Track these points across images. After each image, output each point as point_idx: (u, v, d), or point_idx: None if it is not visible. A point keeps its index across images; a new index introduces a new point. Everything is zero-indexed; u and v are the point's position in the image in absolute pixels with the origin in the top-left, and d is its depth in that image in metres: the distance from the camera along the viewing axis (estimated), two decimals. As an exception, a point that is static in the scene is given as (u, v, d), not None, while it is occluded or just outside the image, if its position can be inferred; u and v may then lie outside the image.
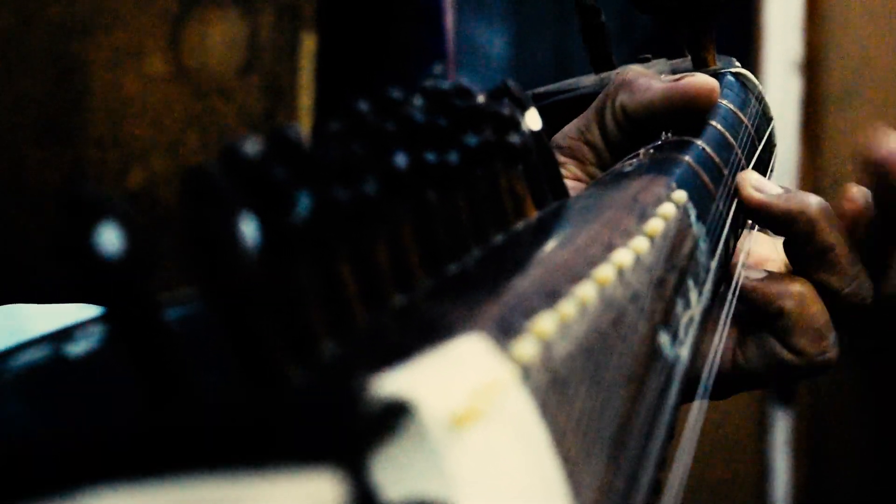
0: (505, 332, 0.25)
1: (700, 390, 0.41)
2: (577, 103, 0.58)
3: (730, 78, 0.56)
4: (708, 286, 0.40)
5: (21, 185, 1.10)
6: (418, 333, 0.24)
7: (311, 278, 0.23)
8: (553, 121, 0.49)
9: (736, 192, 0.49)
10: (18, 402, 0.24)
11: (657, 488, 0.31)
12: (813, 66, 2.04)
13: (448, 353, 0.22)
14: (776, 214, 0.50)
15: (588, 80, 0.62)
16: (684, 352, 0.35)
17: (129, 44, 1.13)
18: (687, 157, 0.45)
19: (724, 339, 0.48)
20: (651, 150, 0.47)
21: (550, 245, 0.32)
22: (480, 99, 0.32)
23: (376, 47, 1.23)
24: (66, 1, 1.13)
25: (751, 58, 2.03)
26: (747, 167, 0.52)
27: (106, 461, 0.20)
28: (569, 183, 0.42)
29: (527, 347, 0.25)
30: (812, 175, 2.00)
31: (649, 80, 0.52)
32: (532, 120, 0.36)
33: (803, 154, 2.01)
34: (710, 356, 0.44)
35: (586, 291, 0.29)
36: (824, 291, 0.51)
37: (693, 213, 0.41)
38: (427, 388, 0.20)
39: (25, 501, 0.19)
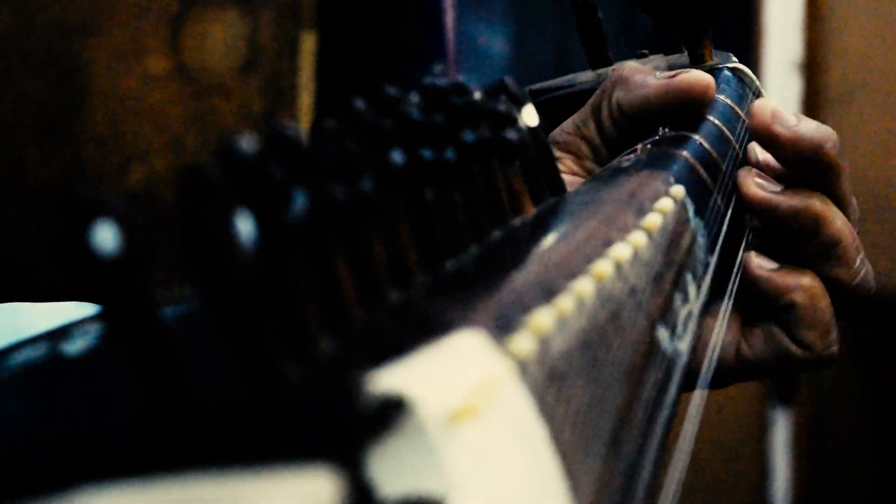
0: (502, 327, 0.25)
1: (700, 380, 0.41)
2: (574, 99, 0.58)
3: (727, 73, 0.56)
4: (707, 281, 0.40)
5: (21, 185, 1.10)
6: (415, 330, 0.24)
7: (307, 276, 0.23)
8: (550, 117, 0.49)
9: (735, 186, 0.49)
10: (16, 401, 0.24)
11: (656, 483, 0.31)
12: (813, 66, 2.04)
13: (445, 350, 0.22)
14: (781, 211, 0.49)
15: (585, 77, 0.62)
16: (683, 346, 0.35)
17: (129, 44, 1.13)
18: (684, 153, 0.45)
19: (724, 331, 0.48)
20: (648, 146, 0.47)
21: (548, 241, 0.32)
22: (477, 96, 0.32)
23: (376, 47, 1.23)
24: (66, 1, 1.13)
25: (751, 58, 2.03)
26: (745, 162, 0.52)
27: (104, 459, 0.20)
28: (566, 178, 0.42)
29: (524, 343, 0.25)
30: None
31: (645, 76, 0.52)
32: (529, 116, 0.36)
33: (803, 153, 2.00)
34: (711, 346, 0.44)
35: (584, 287, 0.29)
36: (832, 285, 0.51)
37: (691, 208, 0.41)
38: (424, 384, 0.20)
39: (23, 500, 0.19)
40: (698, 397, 0.39)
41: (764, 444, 2.03)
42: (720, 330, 0.45)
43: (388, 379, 0.20)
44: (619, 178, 0.40)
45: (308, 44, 1.16)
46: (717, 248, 0.43)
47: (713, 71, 0.54)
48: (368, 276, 0.25)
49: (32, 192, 1.11)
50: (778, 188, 0.50)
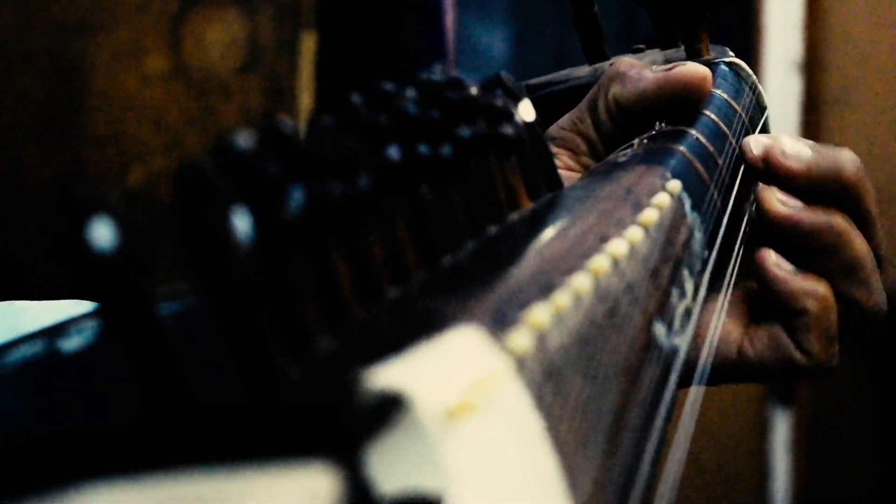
0: (499, 324, 0.25)
1: (697, 375, 0.41)
2: (571, 94, 0.58)
3: (723, 68, 0.56)
4: (704, 276, 0.40)
5: (20, 185, 1.10)
6: (413, 327, 0.24)
7: (305, 273, 0.22)
8: (547, 112, 0.49)
9: (731, 184, 0.49)
10: (13, 398, 0.24)
11: (654, 478, 0.31)
12: (813, 66, 2.04)
13: (442, 347, 0.22)
14: (804, 228, 0.49)
15: (582, 72, 0.62)
16: (680, 342, 0.35)
17: (129, 43, 1.13)
18: (681, 147, 0.45)
19: (720, 325, 0.48)
20: (645, 141, 0.47)
21: (545, 236, 0.32)
22: (473, 91, 0.32)
23: (376, 47, 1.23)
24: (66, 1, 1.13)
25: (751, 58, 2.03)
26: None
27: (102, 457, 0.20)
28: (562, 173, 0.42)
29: (521, 339, 0.25)
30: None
31: (641, 70, 0.52)
32: (525, 111, 0.36)
33: (803, 153, 2.00)
34: (708, 341, 0.44)
35: (581, 282, 0.28)
36: (847, 304, 0.50)
37: (688, 203, 0.41)
38: (421, 381, 0.20)
39: (22, 498, 0.19)
40: (695, 392, 0.39)
41: (764, 444, 2.03)
42: (717, 324, 0.45)
43: (386, 376, 0.20)
44: (616, 173, 0.40)
45: (308, 44, 1.16)
46: (715, 243, 0.43)
47: (709, 65, 0.54)
48: (366, 273, 0.25)
49: (32, 192, 1.11)
50: (800, 204, 0.49)
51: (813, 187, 0.49)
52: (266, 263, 0.21)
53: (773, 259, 0.50)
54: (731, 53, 0.59)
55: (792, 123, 2.01)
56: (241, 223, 0.20)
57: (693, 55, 0.58)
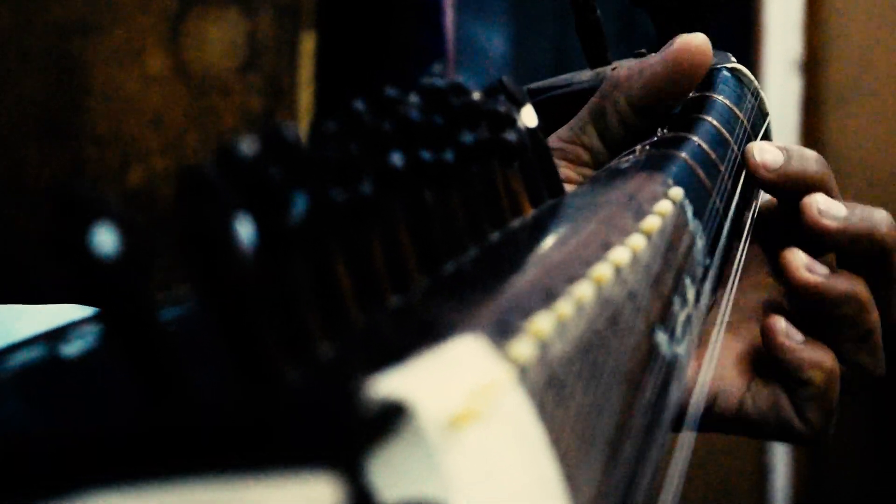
0: (502, 332, 0.24)
1: (689, 421, 0.40)
2: (573, 99, 0.58)
3: (725, 73, 0.56)
4: (706, 284, 0.40)
5: (20, 185, 1.10)
6: (415, 334, 0.24)
7: (306, 278, 0.22)
8: (549, 116, 0.49)
9: (733, 190, 0.49)
10: (14, 402, 0.24)
11: (655, 487, 0.31)
12: (813, 66, 2.04)
13: (445, 354, 0.22)
14: (831, 297, 0.48)
15: (584, 76, 0.62)
16: (682, 350, 0.35)
17: (129, 43, 1.13)
18: (683, 154, 0.44)
19: (721, 338, 0.48)
20: (647, 147, 0.46)
21: (547, 244, 0.32)
22: (476, 96, 0.32)
23: (376, 47, 1.23)
24: (66, 1, 1.13)
25: (751, 58, 2.03)
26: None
27: (102, 462, 0.19)
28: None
29: (524, 348, 0.24)
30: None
31: (640, 63, 0.52)
32: (528, 117, 0.36)
33: (803, 154, 2.00)
34: (707, 358, 0.44)
35: (583, 291, 0.28)
36: (854, 369, 0.50)
37: (690, 210, 0.41)
38: (424, 389, 0.20)
39: (21, 502, 0.19)
40: (695, 406, 0.39)
41: (764, 444, 2.03)
42: (717, 338, 0.45)
43: (388, 383, 0.20)
44: (618, 180, 0.40)
45: (308, 44, 1.16)
46: (717, 250, 0.43)
47: (711, 71, 0.54)
48: (367, 278, 0.25)
49: (32, 192, 1.11)
50: (826, 271, 0.48)
51: (846, 245, 0.49)
52: (268, 267, 0.21)
53: (782, 327, 0.49)
54: (733, 59, 0.59)
55: (792, 123, 2.01)
56: (243, 227, 0.20)
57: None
